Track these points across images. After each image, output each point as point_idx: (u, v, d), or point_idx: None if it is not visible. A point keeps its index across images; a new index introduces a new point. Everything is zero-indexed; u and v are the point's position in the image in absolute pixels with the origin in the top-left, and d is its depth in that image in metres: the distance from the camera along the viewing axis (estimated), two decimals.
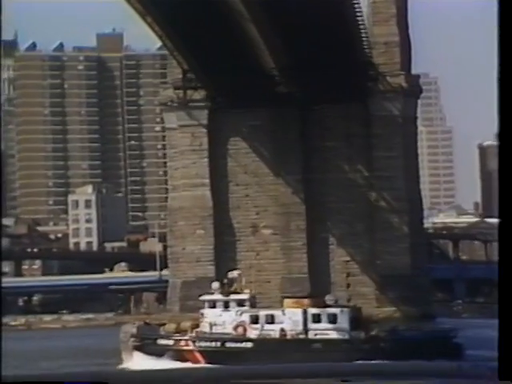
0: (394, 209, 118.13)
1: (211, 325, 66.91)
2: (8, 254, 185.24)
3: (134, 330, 68.54)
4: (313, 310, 66.00)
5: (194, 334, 67.03)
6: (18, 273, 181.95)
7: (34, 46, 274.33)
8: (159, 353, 65.85)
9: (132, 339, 67.62)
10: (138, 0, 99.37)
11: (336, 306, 67.17)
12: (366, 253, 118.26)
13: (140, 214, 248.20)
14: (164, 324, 71.65)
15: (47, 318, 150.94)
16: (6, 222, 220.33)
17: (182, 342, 66.54)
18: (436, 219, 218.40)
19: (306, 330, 65.44)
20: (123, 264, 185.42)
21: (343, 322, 65.20)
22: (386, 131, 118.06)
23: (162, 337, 67.45)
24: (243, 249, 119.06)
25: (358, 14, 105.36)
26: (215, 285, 69.55)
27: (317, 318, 65.72)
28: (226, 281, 70.75)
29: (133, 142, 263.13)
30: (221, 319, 66.79)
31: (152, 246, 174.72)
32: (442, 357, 59.67)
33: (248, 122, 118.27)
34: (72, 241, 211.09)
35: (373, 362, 58.64)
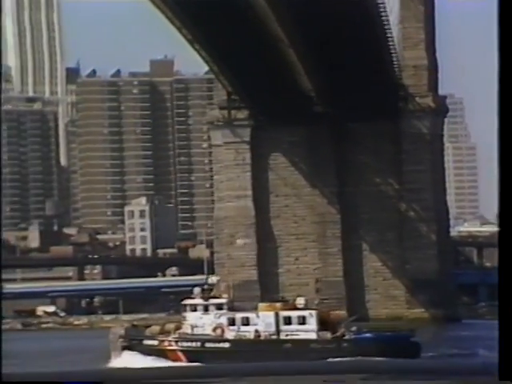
0: (423, 218, 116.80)
1: (192, 327, 67.20)
2: (72, 260, 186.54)
3: (122, 332, 69.03)
4: (284, 313, 66.40)
5: (176, 335, 67.32)
6: (81, 277, 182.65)
7: (94, 72, 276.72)
8: (145, 352, 66.22)
9: (120, 340, 67.85)
10: (188, 29, 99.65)
11: (305, 308, 67.41)
12: (397, 259, 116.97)
13: (189, 222, 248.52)
14: (150, 326, 72.01)
15: (107, 317, 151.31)
16: (70, 231, 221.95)
17: (166, 343, 66.84)
18: (461, 228, 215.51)
19: (277, 331, 65.86)
20: (174, 268, 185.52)
21: (312, 323, 65.42)
22: (415, 147, 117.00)
23: (148, 338, 67.81)
24: (283, 254, 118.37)
25: (390, 39, 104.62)
26: (196, 290, 69.66)
27: (288, 320, 66.08)
28: (206, 286, 70.93)
29: (182, 158, 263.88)
30: (201, 321, 67.09)
31: (200, 252, 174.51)
32: (400, 355, 59.23)
33: (287, 138, 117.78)
34: (128, 248, 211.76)
35: (340, 359, 58.45)
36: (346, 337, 65.28)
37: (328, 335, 65.17)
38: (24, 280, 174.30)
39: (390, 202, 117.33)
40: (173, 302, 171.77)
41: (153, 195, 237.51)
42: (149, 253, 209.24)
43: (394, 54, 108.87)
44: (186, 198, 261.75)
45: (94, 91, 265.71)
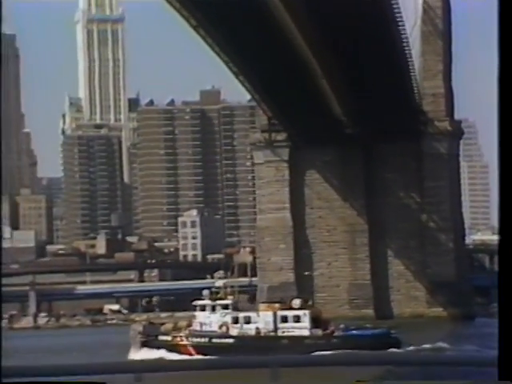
0: (441, 228, 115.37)
1: (201, 324, 67.20)
2: (133, 264, 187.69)
3: (141, 329, 69.01)
4: (281, 313, 66.10)
5: (187, 332, 67.30)
6: (141, 279, 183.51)
7: (151, 102, 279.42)
8: (160, 346, 66.04)
9: (139, 336, 67.82)
10: (233, 63, 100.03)
11: (300, 308, 66.71)
12: (418, 264, 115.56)
13: (234, 231, 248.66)
14: (164, 323, 71.82)
15: (163, 314, 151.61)
16: (132, 239, 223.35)
17: (178, 338, 66.83)
18: (475, 237, 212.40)
19: (275, 329, 65.55)
20: (221, 272, 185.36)
21: (305, 321, 65.05)
22: (435, 165, 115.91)
23: (162, 334, 67.78)
24: (317, 260, 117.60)
25: (412, 70, 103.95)
26: (205, 292, 69.65)
27: (284, 319, 65.80)
28: (213, 289, 70.76)
29: (228, 175, 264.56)
30: (209, 320, 67.10)
31: (244, 257, 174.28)
32: (383, 348, 57.68)
33: (321, 157, 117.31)
34: (181, 253, 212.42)
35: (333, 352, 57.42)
36: (336, 333, 64.84)
37: (319, 332, 64.84)
38: (93, 282, 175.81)
39: (412, 214, 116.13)
40: None
41: (203, 208, 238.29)
42: (199, 258, 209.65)
43: (415, 84, 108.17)
44: (231, 210, 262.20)
45: (152, 118, 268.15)
